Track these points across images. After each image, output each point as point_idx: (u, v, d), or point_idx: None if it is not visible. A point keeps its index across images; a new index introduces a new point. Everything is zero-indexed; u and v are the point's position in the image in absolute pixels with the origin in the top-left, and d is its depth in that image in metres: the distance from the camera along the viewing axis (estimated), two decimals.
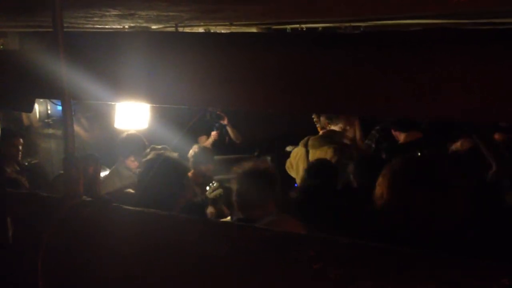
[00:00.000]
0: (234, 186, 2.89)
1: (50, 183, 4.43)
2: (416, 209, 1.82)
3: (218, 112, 5.85)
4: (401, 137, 4.32)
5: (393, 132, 4.37)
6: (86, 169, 1.55)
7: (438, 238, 1.75)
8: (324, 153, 4.41)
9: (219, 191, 4.42)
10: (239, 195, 2.82)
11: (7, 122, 5.12)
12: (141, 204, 1.69)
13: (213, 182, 4.51)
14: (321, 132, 4.83)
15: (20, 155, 4.66)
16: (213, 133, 5.90)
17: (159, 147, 4.07)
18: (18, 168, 4.53)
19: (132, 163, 4.29)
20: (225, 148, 5.83)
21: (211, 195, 4.43)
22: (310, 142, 4.64)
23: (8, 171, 4.02)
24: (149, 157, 3.08)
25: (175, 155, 3.12)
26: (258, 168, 2.88)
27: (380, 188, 1.93)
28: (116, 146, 4.48)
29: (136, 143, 4.30)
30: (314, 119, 5.17)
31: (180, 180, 2.99)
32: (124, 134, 4.45)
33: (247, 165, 2.90)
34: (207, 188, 4.46)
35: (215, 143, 5.78)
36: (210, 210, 4.29)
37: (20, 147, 4.62)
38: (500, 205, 2.32)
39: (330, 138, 4.59)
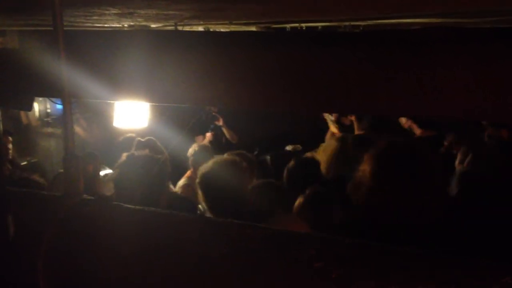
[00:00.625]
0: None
1: (50, 182, 4.43)
2: (398, 191, 1.82)
3: (213, 113, 5.86)
4: (417, 131, 4.41)
5: (410, 124, 4.44)
6: (86, 167, 1.54)
7: (418, 223, 1.75)
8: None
9: None
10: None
11: (5, 121, 5.12)
12: None
13: None
14: (358, 132, 4.73)
15: (10, 153, 4.64)
16: (208, 134, 5.92)
17: (144, 140, 4.06)
18: (10, 167, 4.52)
19: None
20: (224, 147, 5.83)
21: None
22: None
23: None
24: (121, 160, 3.02)
25: (145, 152, 3.06)
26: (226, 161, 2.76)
27: (365, 165, 1.92)
28: (114, 150, 4.46)
29: (131, 147, 4.29)
30: (331, 119, 5.11)
31: (161, 178, 2.95)
32: (121, 138, 4.43)
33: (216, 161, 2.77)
34: None
35: (211, 143, 5.79)
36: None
37: (10, 145, 4.60)
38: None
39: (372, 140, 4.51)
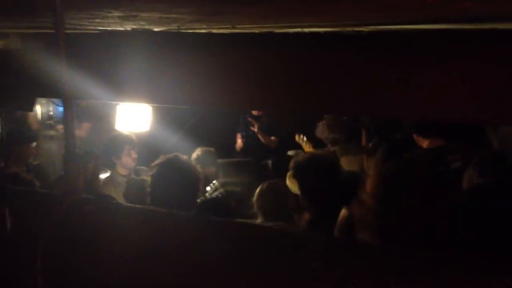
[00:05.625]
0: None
1: (52, 184, 4.43)
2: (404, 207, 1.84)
3: (249, 119, 5.72)
4: (424, 143, 4.12)
5: (415, 137, 4.20)
6: (86, 166, 1.55)
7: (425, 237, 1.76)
8: (349, 161, 4.37)
9: (221, 190, 4.39)
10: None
11: (8, 124, 5.15)
12: None
13: (214, 182, 4.48)
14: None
15: (31, 158, 4.80)
16: (239, 140, 5.85)
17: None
18: (25, 169, 4.58)
19: (128, 157, 4.17)
20: (257, 153, 5.76)
21: (213, 195, 4.41)
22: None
23: (16, 171, 4.06)
24: (158, 161, 3.04)
25: (185, 158, 3.10)
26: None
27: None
28: (105, 150, 4.40)
29: (125, 137, 4.23)
30: (303, 141, 5.10)
31: (196, 184, 3.00)
32: (109, 136, 4.41)
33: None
34: (208, 188, 4.44)
35: (242, 150, 5.74)
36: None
37: (33, 151, 4.78)
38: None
39: (356, 146, 4.53)
